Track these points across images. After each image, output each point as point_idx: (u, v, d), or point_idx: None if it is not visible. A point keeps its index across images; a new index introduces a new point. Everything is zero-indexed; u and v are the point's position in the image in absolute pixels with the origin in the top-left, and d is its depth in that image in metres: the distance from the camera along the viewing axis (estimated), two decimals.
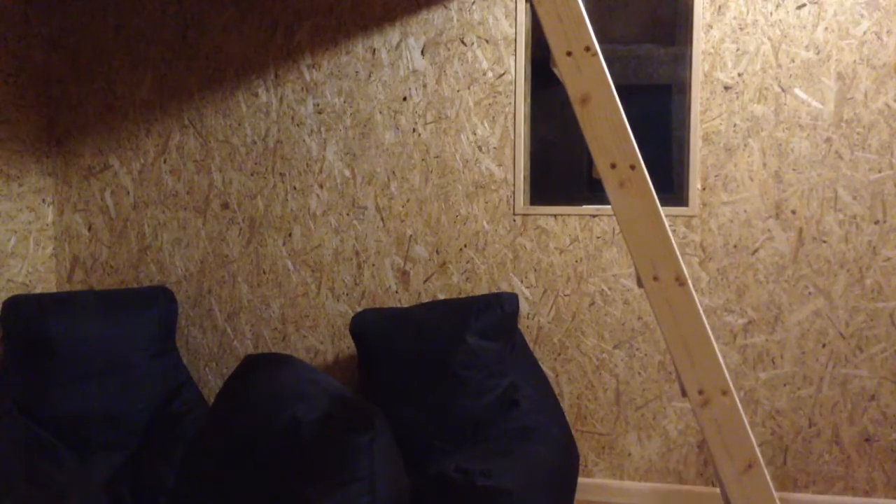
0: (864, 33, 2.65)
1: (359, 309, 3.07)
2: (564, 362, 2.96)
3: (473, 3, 2.90)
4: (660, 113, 3.00)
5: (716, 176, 2.79)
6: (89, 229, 3.29)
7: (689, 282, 1.41)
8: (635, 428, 2.93)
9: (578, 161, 3.09)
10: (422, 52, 2.96)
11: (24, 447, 2.64)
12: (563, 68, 1.41)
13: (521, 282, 2.96)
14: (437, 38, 2.94)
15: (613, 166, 1.41)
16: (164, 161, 3.22)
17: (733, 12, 2.72)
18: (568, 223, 2.91)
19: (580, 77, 1.40)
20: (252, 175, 3.15)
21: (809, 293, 2.76)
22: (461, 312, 2.76)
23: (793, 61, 2.70)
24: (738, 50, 2.73)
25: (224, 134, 3.16)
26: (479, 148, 2.94)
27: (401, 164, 3.01)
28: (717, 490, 2.79)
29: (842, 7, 2.65)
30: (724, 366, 1.42)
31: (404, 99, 2.99)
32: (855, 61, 2.66)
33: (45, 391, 2.77)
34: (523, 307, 2.95)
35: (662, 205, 1.42)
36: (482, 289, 2.98)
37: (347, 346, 3.11)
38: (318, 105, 3.07)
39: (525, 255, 2.95)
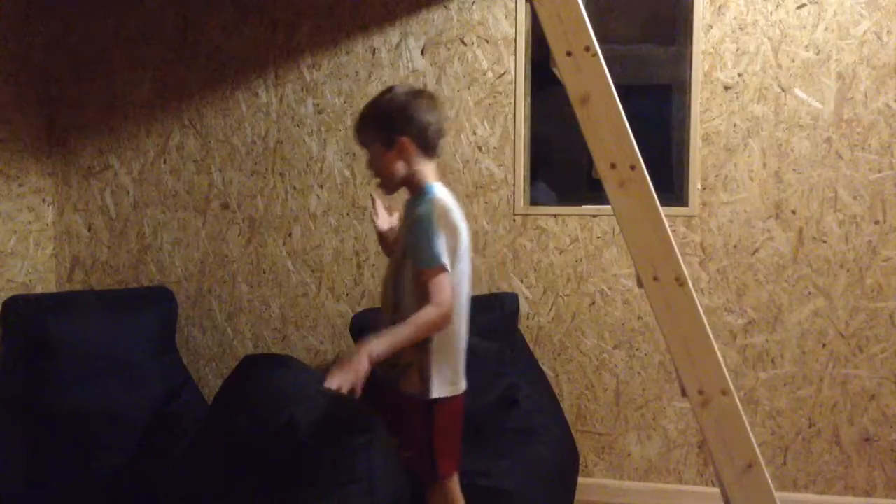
0: (864, 33, 2.64)
1: (359, 309, 3.07)
2: (564, 362, 2.96)
3: (473, 3, 2.90)
4: (660, 113, 3.00)
5: (716, 176, 2.79)
6: (89, 229, 3.29)
7: (689, 282, 1.40)
8: (635, 428, 2.93)
9: (578, 161, 3.09)
10: (422, 52, 2.96)
11: (25, 447, 2.64)
12: (563, 68, 1.41)
13: (521, 282, 2.96)
14: (437, 38, 2.94)
15: (613, 166, 1.41)
16: (164, 161, 3.22)
17: (733, 12, 2.72)
18: (568, 223, 2.90)
19: (580, 77, 1.40)
20: (252, 175, 3.15)
21: (809, 293, 2.76)
22: None
23: (793, 61, 2.70)
24: (738, 50, 2.73)
25: (224, 134, 3.16)
26: (479, 148, 2.94)
27: None
28: (717, 490, 2.79)
29: (842, 7, 2.65)
30: (724, 366, 1.42)
31: None
32: (855, 61, 2.66)
33: (45, 391, 2.76)
34: (523, 307, 2.95)
35: (662, 205, 1.42)
36: (482, 289, 2.98)
37: (347, 346, 3.11)
38: (318, 105, 3.06)
39: (525, 255, 2.95)
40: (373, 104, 1.98)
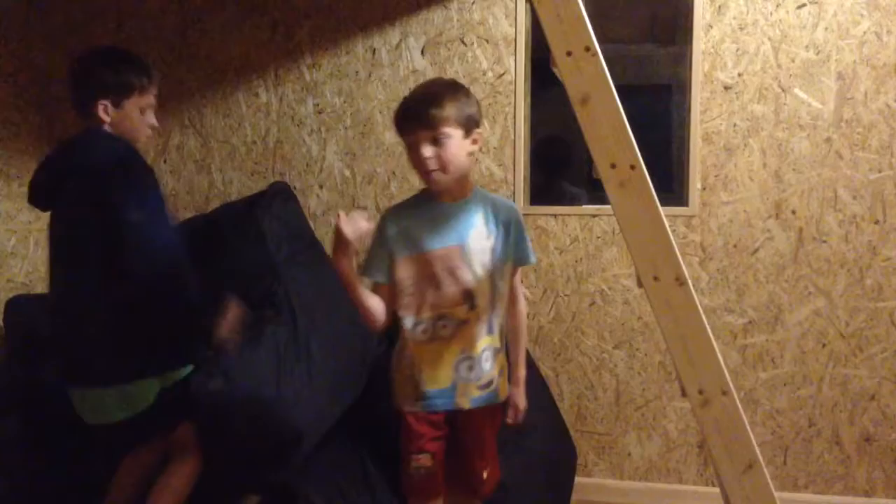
0: (864, 33, 2.64)
1: None
2: (564, 362, 2.96)
3: (473, 3, 2.90)
4: (660, 113, 3.01)
5: (716, 176, 2.79)
6: None
7: (689, 282, 1.40)
8: (635, 428, 2.93)
9: (578, 161, 3.09)
10: (422, 52, 2.96)
11: (25, 447, 2.64)
12: (563, 68, 1.41)
13: (521, 282, 2.95)
14: (437, 38, 2.94)
15: (613, 166, 1.41)
16: (164, 161, 3.21)
17: (733, 12, 2.72)
18: (568, 223, 2.90)
19: (580, 77, 1.40)
20: (252, 175, 3.14)
21: (809, 293, 2.76)
22: None
23: (793, 61, 2.70)
24: (738, 50, 2.73)
25: (224, 134, 3.16)
26: (480, 148, 2.93)
27: (401, 164, 3.01)
28: (717, 490, 2.79)
29: (842, 7, 2.65)
30: (724, 366, 1.42)
31: None
32: (855, 61, 2.66)
33: (46, 391, 2.76)
34: None
35: (662, 205, 1.41)
36: None
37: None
38: (318, 105, 3.06)
39: None
40: (457, 88, 1.81)
